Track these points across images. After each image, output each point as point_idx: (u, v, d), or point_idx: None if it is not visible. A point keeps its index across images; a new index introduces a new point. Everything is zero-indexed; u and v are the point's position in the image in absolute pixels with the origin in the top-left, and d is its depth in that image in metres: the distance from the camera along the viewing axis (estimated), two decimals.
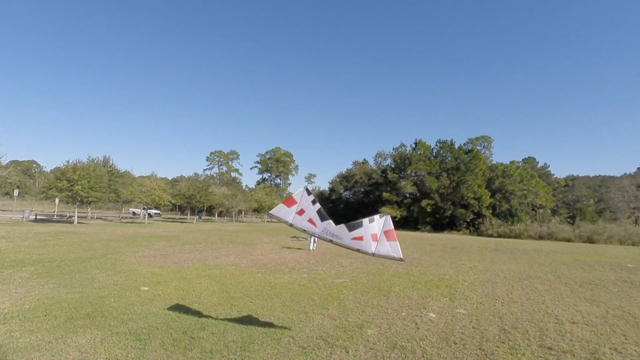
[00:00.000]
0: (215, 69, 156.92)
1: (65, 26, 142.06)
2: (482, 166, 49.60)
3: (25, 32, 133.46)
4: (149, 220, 40.38)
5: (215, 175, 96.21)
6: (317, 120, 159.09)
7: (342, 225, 4.72)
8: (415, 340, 5.21)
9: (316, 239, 17.59)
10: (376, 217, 4.73)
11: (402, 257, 4.60)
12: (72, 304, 6.26)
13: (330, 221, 4.75)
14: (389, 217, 4.71)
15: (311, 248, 17.15)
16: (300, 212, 4.82)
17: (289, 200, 4.91)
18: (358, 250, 4.71)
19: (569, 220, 47.96)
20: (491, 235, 41.41)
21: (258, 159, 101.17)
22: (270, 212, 4.99)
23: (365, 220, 4.70)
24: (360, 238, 4.60)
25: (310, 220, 4.78)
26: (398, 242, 4.60)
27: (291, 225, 4.81)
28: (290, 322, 5.80)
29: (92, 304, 6.36)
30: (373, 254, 4.62)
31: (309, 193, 4.91)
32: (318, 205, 4.85)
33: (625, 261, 16.60)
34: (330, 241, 4.72)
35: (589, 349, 5.09)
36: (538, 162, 71.81)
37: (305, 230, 4.82)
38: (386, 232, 4.62)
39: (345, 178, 67.75)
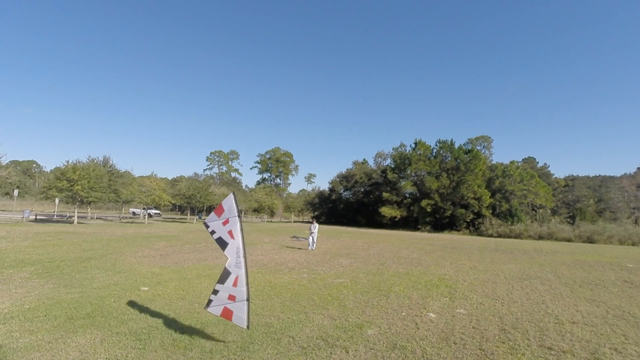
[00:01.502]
0: (215, 69, 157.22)
1: (64, 26, 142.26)
2: (482, 166, 49.55)
3: (25, 32, 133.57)
4: (149, 220, 40.37)
5: (215, 175, 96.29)
6: (317, 120, 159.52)
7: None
8: (415, 340, 5.21)
9: (315, 239, 17.65)
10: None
11: (247, 326, 4.82)
12: (72, 304, 6.26)
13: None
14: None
15: (310, 248, 17.17)
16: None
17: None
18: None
19: (569, 220, 47.93)
20: (491, 235, 41.37)
21: (258, 159, 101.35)
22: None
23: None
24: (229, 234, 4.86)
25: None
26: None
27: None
28: (290, 322, 5.80)
29: (92, 304, 6.36)
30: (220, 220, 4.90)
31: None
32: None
33: (625, 261, 16.59)
34: (238, 266, 4.79)
35: (589, 349, 5.09)
36: (538, 162, 71.82)
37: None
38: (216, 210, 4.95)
39: (345, 178, 67.71)
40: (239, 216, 4.94)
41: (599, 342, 5.40)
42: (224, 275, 4.80)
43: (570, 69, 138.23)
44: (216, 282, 4.92)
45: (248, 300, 4.74)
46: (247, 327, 4.81)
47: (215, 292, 4.86)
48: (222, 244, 4.87)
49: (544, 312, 7.06)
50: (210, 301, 4.92)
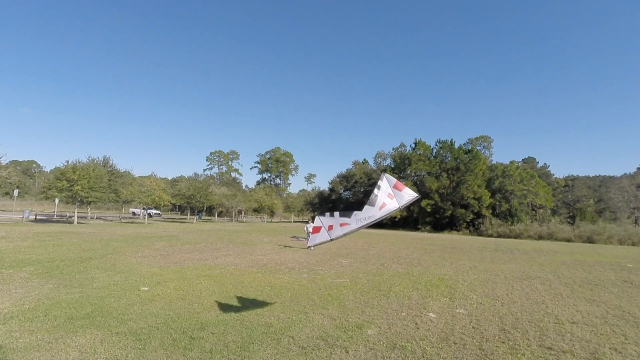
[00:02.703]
0: (215, 69, 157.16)
1: (63, 26, 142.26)
2: (482, 166, 49.56)
3: (23, 32, 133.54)
4: (149, 221, 40.36)
5: (215, 175, 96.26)
6: (317, 120, 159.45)
7: (365, 207, 5.30)
8: (415, 340, 5.21)
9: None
10: (379, 182, 5.37)
11: (416, 194, 5.44)
12: (72, 304, 6.26)
13: (355, 211, 5.36)
14: (386, 174, 5.47)
15: (309, 247, 17.23)
16: (330, 227, 5.37)
17: (315, 229, 5.50)
18: (389, 214, 5.32)
19: (569, 220, 47.93)
20: (491, 235, 41.38)
21: (258, 159, 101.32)
22: (308, 245, 5.76)
23: (375, 190, 5.32)
24: (384, 205, 5.25)
25: (343, 224, 5.35)
26: (406, 187, 5.42)
27: (332, 239, 5.35)
28: (290, 322, 5.80)
29: (92, 304, 6.36)
30: (399, 207, 5.31)
31: (324, 215, 5.53)
32: (336, 213, 5.48)
33: (625, 261, 16.59)
34: (367, 224, 5.22)
35: (589, 349, 5.09)
36: (538, 162, 71.84)
37: (345, 234, 5.34)
38: (395, 186, 5.35)
39: (345, 178, 67.69)
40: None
41: (599, 342, 5.40)
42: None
43: (570, 69, 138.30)
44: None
45: (330, 240, 5.34)
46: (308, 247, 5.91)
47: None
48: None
49: (544, 312, 7.06)
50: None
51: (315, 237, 5.41)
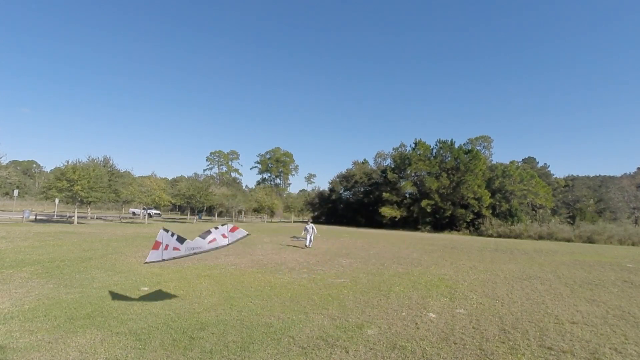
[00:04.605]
0: (215, 69, 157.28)
1: (63, 26, 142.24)
2: (482, 166, 49.55)
3: (22, 32, 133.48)
4: (149, 221, 40.36)
5: (215, 175, 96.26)
6: (317, 120, 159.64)
7: (197, 238, 6.13)
8: (415, 340, 5.21)
9: (312, 237, 17.88)
10: (219, 226, 6.40)
11: (248, 232, 6.48)
12: (72, 304, 6.26)
13: (187, 239, 6.09)
14: (229, 225, 6.46)
15: (308, 245, 17.44)
16: (166, 247, 5.96)
17: (155, 244, 5.96)
18: (216, 249, 6.25)
19: (569, 220, 47.91)
20: (491, 236, 41.35)
21: (258, 159, 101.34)
22: (145, 261, 5.99)
23: (212, 229, 6.28)
24: (214, 240, 6.13)
25: (175, 248, 5.97)
26: (240, 228, 6.41)
27: (163, 260, 5.95)
28: (290, 322, 5.80)
29: (92, 304, 6.36)
30: (227, 244, 6.27)
31: (167, 231, 6.08)
32: (175, 235, 6.11)
33: (625, 261, 16.58)
34: (194, 254, 6.07)
35: (589, 349, 5.09)
36: (538, 162, 71.86)
37: (174, 258, 6.03)
38: (231, 229, 6.39)
39: (345, 178, 67.71)
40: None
41: (599, 342, 5.39)
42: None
43: (570, 69, 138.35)
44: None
45: (162, 260, 6.02)
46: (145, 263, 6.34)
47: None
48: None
49: (544, 312, 7.05)
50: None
51: (153, 253, 5.84)
